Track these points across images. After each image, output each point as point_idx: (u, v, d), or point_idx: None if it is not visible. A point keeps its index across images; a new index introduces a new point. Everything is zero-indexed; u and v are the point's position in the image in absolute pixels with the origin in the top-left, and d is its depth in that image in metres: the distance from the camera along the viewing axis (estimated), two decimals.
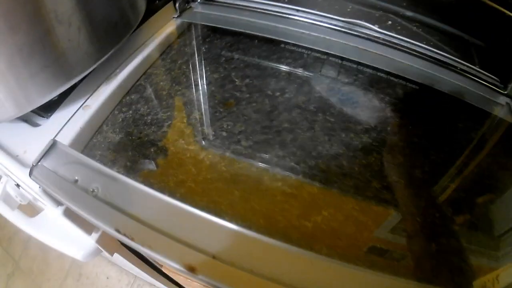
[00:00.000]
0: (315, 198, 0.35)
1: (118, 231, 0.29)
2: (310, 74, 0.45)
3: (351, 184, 0.36)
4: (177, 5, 0.49)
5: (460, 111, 0.46)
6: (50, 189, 0.33)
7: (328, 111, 0.41)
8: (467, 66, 0.47)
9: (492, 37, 0.49)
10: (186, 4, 0.50)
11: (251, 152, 0.36)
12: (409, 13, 0.50)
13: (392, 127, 0.42)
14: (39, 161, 0.35)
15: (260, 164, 0.36)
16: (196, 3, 0.52)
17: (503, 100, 0.46)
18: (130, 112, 0.42)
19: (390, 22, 0.48)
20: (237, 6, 0.50)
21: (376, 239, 0.34)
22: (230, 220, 0.29)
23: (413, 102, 0.45)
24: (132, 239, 0.29)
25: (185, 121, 0.40)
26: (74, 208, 0.32)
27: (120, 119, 0.42)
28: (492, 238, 0.36)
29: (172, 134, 0.39)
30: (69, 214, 0.41)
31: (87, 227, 0.44)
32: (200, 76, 0.44)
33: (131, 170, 0.37)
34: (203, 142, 0.38)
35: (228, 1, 0.51)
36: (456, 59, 0.47)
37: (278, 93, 0.42)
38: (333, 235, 0.33)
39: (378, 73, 0.47)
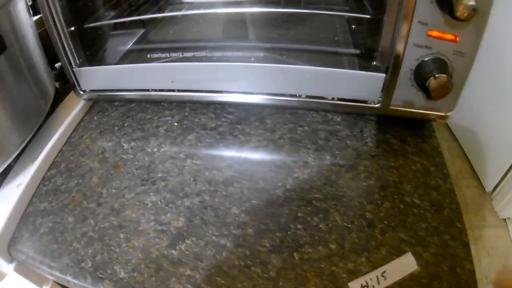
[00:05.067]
0: None
1: None
2: (186, 125, 0.58)
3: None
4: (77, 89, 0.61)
5: None
6: None
7: (195, 156, 0.53)
8: None
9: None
10: (81, 90, 0.60)
11: (132, 202, 0.49)
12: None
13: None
14: None
15: (141, 212, 0.48)
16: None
17: None
18: (50, 184, 0.54)
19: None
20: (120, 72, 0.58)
21: None
22: None
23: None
24: None
25: (86, 185, 0.52)
26: None
27: (44, 191, 0.54)
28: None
29: (77, 198, 0.51)
30: (20, 270, 0.54)
31: (39, 280, 0.56)
32: (98, 146, 0.57)
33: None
34: (98, 201, 0.50)
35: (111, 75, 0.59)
36: None
37: (155, 149, 0.54)
38: None
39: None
